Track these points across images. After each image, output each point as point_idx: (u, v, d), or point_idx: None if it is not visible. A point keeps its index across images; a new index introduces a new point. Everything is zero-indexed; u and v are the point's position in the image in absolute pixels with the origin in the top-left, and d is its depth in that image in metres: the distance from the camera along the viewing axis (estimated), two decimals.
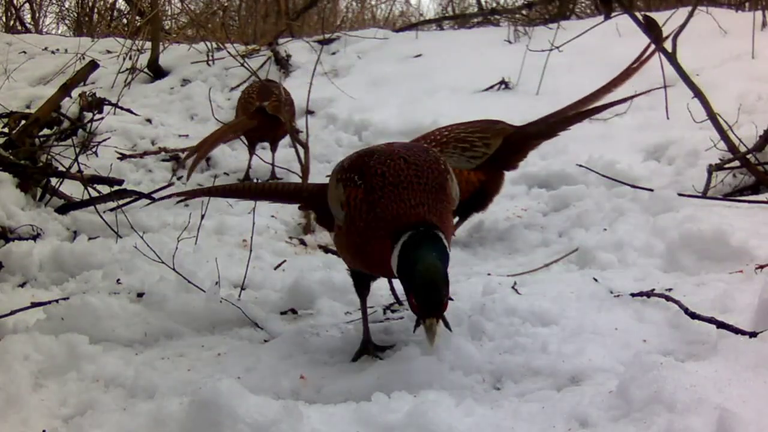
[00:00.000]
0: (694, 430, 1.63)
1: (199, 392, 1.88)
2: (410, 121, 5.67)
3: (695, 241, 2.94)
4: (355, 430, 1.88)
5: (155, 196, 4.38)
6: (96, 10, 14.20)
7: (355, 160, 2.34)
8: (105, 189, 4.49)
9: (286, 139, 5.70)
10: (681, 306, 2.36)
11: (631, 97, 3.95)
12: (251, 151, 5.44)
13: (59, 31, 15.08)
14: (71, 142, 4.75)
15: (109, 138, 5.59)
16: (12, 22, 13.94)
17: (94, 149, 5.39)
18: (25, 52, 9.48)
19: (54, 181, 4.40)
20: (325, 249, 3.88)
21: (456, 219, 3.94)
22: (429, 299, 2.00)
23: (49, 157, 4.48)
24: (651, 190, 3.78)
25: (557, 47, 5.14)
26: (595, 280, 2.85)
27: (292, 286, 3.01)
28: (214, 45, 8.27)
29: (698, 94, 3.97)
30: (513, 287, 2.78)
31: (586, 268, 3.10)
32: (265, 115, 5.15)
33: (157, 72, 8.23)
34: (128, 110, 6.53)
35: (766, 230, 3.09)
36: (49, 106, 4.77)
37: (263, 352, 2.43)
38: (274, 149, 5.44)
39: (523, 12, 9.64)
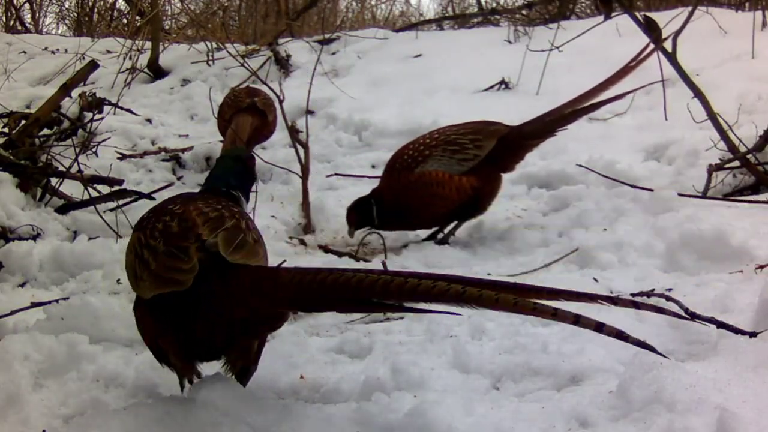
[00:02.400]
0: (694, 430, 1.63)
1: (199, 392, 1.88)
2: (410, 121, 5.67)
3: (695, 241, 2.94)
4: (355, 430, 1.88)
5: (155, 196, 4.38)
6: (96, 10, 14.22)
7: None
8: (105, 189, 4.48)
9: (286, 139, 5.71)
10: (681, 306, 2.36)
11: (627, 93, 3.94)
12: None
13: (59, 31, 15.10)
14: (71, 142, 4.75)
15: (109, 138, 5.58)
16: (12, 22, 13.95)
17: (94, 149, 5.38)
18: (25, 52, 9.48)
19: (54, 181, 4.39)
20: (325, 249, 3.88)
21: (454, 223, 3.94)
22: None
23: (49, 157, 4.48)
24: (651, 190, 3.78)
25: (557, 47, 5.15)
26: (595, 280, 2.85)
27: None
28: (214, 45, 8.27)
29: (698, 94, 3.97)
30: None
31: (586, 268, 3.10)
32: (255, 114, 5.18)
33: (157, 72, 8.23)
34: (128, 110, 6.52)
35: (766, 230, 3.09)
36: (49, 106, 4.77)
37: (263, 352, 2.42)
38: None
39: (523, 12, 9.64)
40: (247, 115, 5.19)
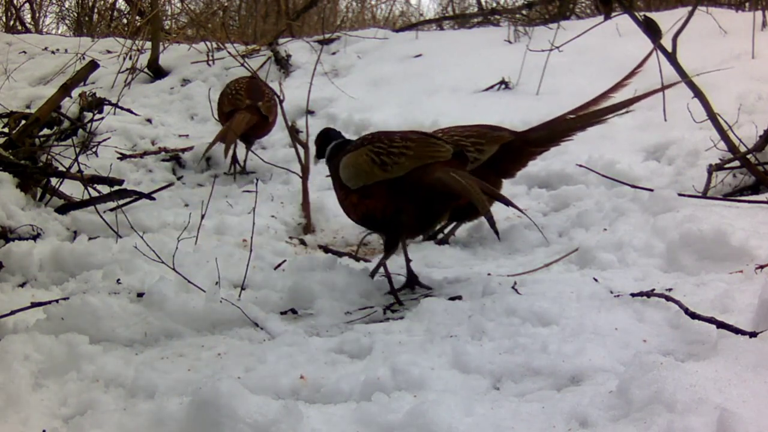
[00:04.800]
0: (694, 430, 1.63)
1: (199, 392, 1.88)
2: (410, 121, 5.67)
3: (695, 241, 2.94)
4: (355, 430, 1.88)
5: (155, 196, 4.39)
6: (96, 10, 14.21)
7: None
8: (105, 189, 4.49)
9: (286, 139, 5.71)
10: (681, 306, 2.36)
11: (636, 101, 3.90)
12: (248, 148, 5.49)
13: (59, 31, 15.10)
14: (71, 142, 4.75)
15: (109, 138, 5.59)
16: (12, 22, 13.94)
17: (94, 149, 5.39)
18: (25, 52, 9.48)
19: (54, 181, 4.39)
20: (325, 249, 3.88)
21: (453, 224, 3.94)
22: None
23: (49, 157, 4.48)
24: (651, 190, 3.78)
25: (557, 47, 5.14)
26: (595, 280, 2.85)
27: (292, 286, 3.01)
28: (214, 45, 8.27)
29: (698, 94, 3.97)
30: (513, 287, 2.78)
31: (586, 268, 3.10)
32: (255, 113, 5.20)
33: (157, 72, 8.23)
34: (128, 110, 6.53)
35: (766, 230, 3.09)
36: (49, 106, 4.77)
37: (263, 352, 2.43)
38: (249, 146, 5.51)
39: (523, 12, 9.65)
40: (245, 113, 5.20)
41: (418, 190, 2.94)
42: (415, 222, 3.03)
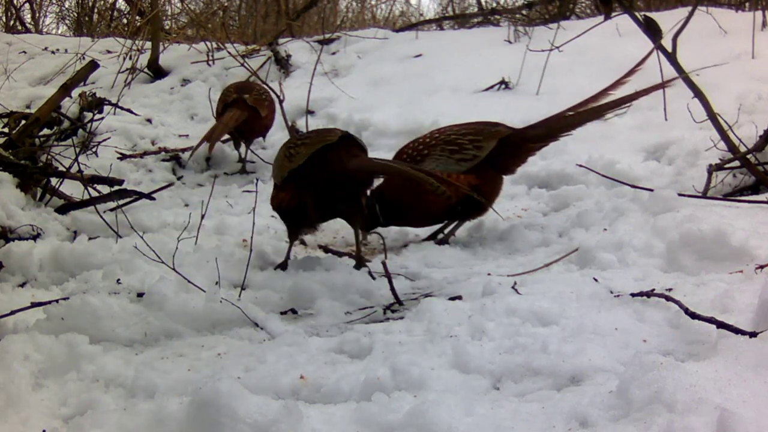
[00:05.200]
0: (694, 430, 1.62)
1: (199, 392, 1.88)
2: (410, 121, 5.67)
3: (695, 241, 2.94)
4: (355, 430, 1.88)
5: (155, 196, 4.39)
6: (96, 10, 14.20)
7: None
8: (105, 189, 4.49)
9: (286, 138, 5.72)
10: (681, 306, 2.36)
11: (635, 97, 3.90)
12: (247, 146, 5.50)
13: (59, 31, 15.09)
14: (71, 142, 4.76)
15: (109, 138, 5.59)
16: (12, 22, 13.94)
17: (94, 149, 5.39)
18: (25, 52, 9.48)
19: (54, 181, 4.40)
20: (325, 249, 3.88)
21: (455, 223, 3.94)
22: None
23: (49, 157, 4.48)
24: (651, 190, 3.78)
25: (557, 47, 5.15)
26: (595, 280, 2.85)
27: (292, 286, 3.01)
28: (214, 45, 8.27)
29: (698, 94, 3.97)
30: (513, 287, 2.78)
31: (586, 268, 3.10)
32: (244, 107, 5.21)
33: (157, 72, 8.23)
34: (128, 110, 6.53)
35: (766, 230, 3.08)
36: (49, 106, 4.77)
37: (263, 352, 2.43)
38: (248, 144, 5.51)
39: (523, 12, 9.65)
40: (234, 110, 5.21)
41: (319, 176, 3.18)
42: (315, 209, 3.27)
